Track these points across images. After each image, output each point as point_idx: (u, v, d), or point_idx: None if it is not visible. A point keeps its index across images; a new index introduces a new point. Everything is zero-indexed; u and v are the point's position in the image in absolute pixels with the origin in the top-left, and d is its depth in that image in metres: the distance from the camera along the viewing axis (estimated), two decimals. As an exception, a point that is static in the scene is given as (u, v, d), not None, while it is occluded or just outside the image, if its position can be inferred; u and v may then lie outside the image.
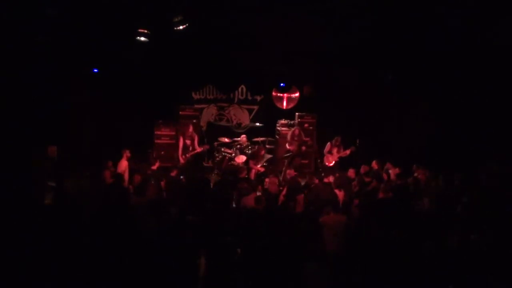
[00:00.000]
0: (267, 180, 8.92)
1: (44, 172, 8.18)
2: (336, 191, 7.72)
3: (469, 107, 10.26)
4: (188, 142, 10.05)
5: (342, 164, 10.14)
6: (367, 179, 8.49)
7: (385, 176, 8.80)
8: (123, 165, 8.69)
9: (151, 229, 5.79)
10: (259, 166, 10.20)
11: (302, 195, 7.70)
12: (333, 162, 10.31)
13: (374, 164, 9.27)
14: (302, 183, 8.69)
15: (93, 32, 9.08)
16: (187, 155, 9.97)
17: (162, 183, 8.06)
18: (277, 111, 12.58)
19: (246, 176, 8.58)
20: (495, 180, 8.17)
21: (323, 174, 8.70)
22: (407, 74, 10.54)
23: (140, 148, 10.99)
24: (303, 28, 8.99)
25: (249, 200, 6.96)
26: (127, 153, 8.83)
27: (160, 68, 11.19)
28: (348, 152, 10.22)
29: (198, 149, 10.18)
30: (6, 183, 7.25)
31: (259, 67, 10.97)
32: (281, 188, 8.31)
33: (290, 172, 8.82)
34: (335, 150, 10.34)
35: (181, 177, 8.85)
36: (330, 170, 9.49)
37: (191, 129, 10.17)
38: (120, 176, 8.00)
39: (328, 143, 10.54)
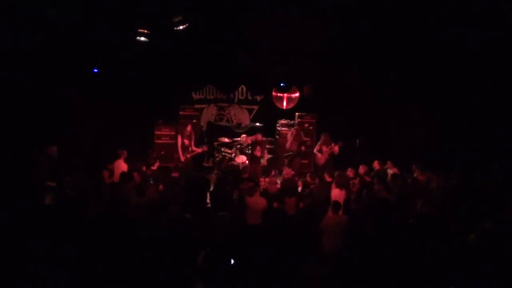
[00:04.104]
0: (266, 179, 8.92)
1: (44, 172, 8.18)
2: (338, 190, 7.70)
3: (469, 107, 10.26)
4: (186, 142, 10.05)
5: (342, 163, 10.12)
6: (367, 179, 8.49)
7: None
8: (123, 166, 8.67)
9: (150, 229, 5.79)
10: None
11: (294, 198, 7.63)
12: (324, 160, 10.28)
13: (376, 164, 9.27)
14: (300, 183, 8.70)
15: (93, 32, 9.08)
16: (187, 155, 10.01)
17: (162, 183, 8.05)
18: (277, 111, 12.59)
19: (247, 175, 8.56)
20: (494, 180, 8.17)
21: (318, 175, 8.66)
22: (408, 74, 10.53)
23: (140, 148, 11.02)
24: (303, 28, 8.99)
25: (253, 200, 6.97)
26: (124, 154, 8.81)
27: (160, 68, 11.19)
28: (337, 148, 10.14)
29: (197, 150, 10.22)
30: (6, 183, 7.26)
31: (259, 67, 10.97)
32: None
33: (288, 172, 8.82)
34: (324, 148, 10.32)
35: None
36: (327, 170, 9.46)
37: (189, 128, 10.17)
38: (122, 175, 7.98)
39: (318, 142, 10.56)
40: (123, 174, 7.76)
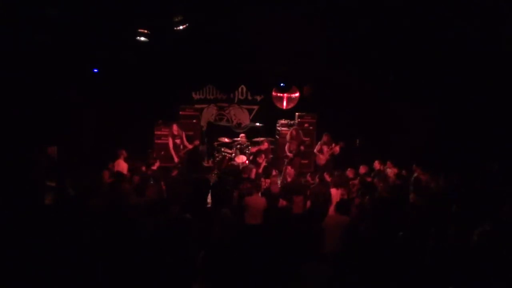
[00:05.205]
0: (267, 180, 8.92)
1: (44, 172, 8.18)
2: (334, 190, 7.71)
3: (469, 107, 10.25)
4: (177, 141, 10.37)
5: (342, 163, 10.12)
6: (368, 179, 8.49)
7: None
8: (123, 165, 8.67)
9: (150, 229, 5.79)
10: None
11: (302, 197, 7.69)
12: (325, 160, 10.29)
13: (376, 164, 9.27)
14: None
15: (93, 32, 9.07)
16: (180, 153, 10.31)
17: (162, 183, 8.06)
18: (277, 111, 12.60)
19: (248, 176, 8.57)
20: (494, 180, 8.16)
21: (318, 175, 8.67)
22: (408, 74, 10.53)
23: (140, 148, 11.02)
24: (303, 28, 8.99)
25: (253, 200, 6.98)
26: (124, 153, 8.83)
27: (160, 68, 11.19)
28: (337, 149, 10.18)
29: (189, 146, 10.40)
30: (6, 183, 7.26)
31: (259, 67, 10.98)
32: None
33: (290, 172, 8.83)
34: (325, 148, 10.33)
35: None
36: (327, 170, 9.47)
37: (175, 128, 10.43)
38: (120, 175, 7.98)
39: (319, 142, 10.57)
40: (117, 173, 7.77)
